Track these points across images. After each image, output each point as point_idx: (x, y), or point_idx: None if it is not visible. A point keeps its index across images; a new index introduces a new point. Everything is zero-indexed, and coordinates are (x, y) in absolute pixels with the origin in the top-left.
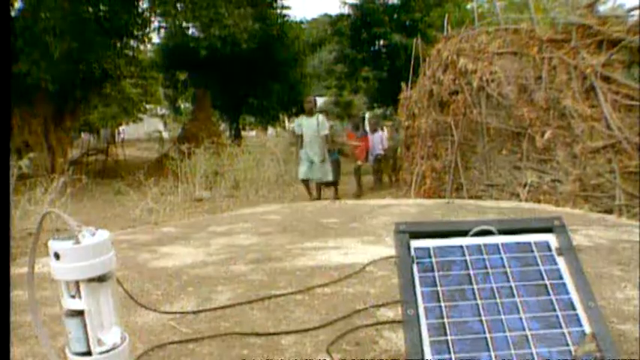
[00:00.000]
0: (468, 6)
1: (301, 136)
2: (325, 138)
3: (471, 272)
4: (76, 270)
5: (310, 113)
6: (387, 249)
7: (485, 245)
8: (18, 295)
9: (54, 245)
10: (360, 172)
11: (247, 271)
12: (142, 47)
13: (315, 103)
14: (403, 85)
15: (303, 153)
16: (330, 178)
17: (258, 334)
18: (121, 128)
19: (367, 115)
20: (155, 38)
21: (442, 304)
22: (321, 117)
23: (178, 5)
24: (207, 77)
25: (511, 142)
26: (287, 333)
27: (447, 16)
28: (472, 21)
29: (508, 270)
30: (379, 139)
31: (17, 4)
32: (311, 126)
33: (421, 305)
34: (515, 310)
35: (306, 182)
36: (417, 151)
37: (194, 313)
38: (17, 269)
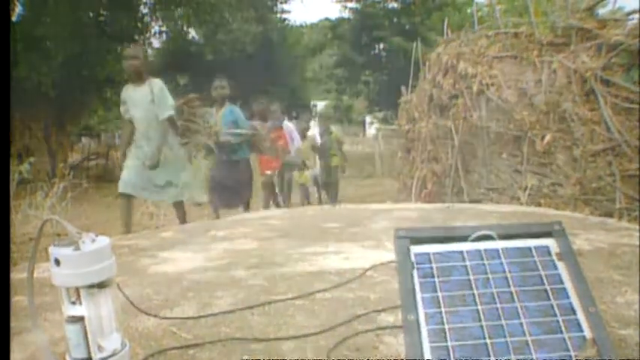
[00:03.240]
0: (468, 10)
1: (131, 122)
2: (171, 123)
3: (471, 278)
4: (77, 276)
5: (139, 78)
6: (387, 254)
7: (485, 250)
8: (18, 300)
9: (54, 251)
10: (271, 187)
11: (247, 276)
12: None
13: (143, 58)
14: (403, 88)
15: (133, 152)
16: (196, 196)
17: (258, 340)
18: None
19: (367, 119)
20: (156, 43)
21: (442, 309)
22: (157, 85)
23: (180, 9)
24: (207, 81)
25: (511, 146)
26: (287, 338)
27: (446, 19)
28: (472, 25)
29: (508, 275)
30: (289, 135)
31: (18, 9)
32: (141, 102)
33: (421, 311)
34: (515, 315)
35: (127, 200)
36: (417, 155)
37: (194, 318)
38: (17, 274)
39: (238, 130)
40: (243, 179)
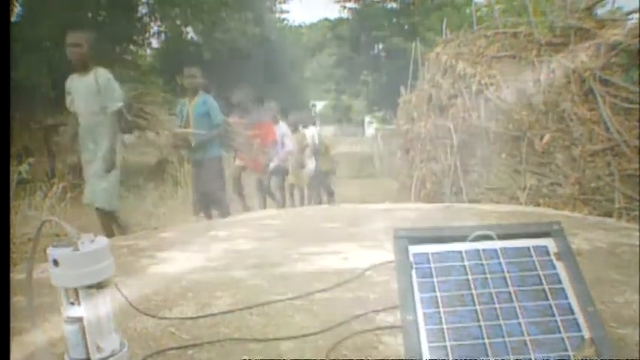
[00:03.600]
0: (467, 10)
1: (76, 117)
2: (119, 118)
3: (470, 278)
4: (75, 277)
5: (83, 68)
6: (386, 254)
7: (483, 250)
8: (18, 301)
9: (53, 252)
10: (238, 182)
11: (247, 277)
12: (141, 52)
13: (87, 45)
14: (402, 88)
15: (83, 157)
16: (114, 204)
17: (257, 340)
18: None
19: (366, 119)
20: (154, 43)
21: (441, 309)
22: (103, 75)
23: (178, 9)
24: (205, 81)
25: (510, 146)
26: (286, 339)
27: (445, 19)
28: (471, 25)
29: (507, 275)
30: (280, 138)
31: (17, 10)
32: (85, 93)
33: (420, 311)
34: (513, 315)
35: (102, 211)
36: (416, 155)
37: (193, 318)
38: (17, 275)
39: (195, 131)
40: (212, 179)
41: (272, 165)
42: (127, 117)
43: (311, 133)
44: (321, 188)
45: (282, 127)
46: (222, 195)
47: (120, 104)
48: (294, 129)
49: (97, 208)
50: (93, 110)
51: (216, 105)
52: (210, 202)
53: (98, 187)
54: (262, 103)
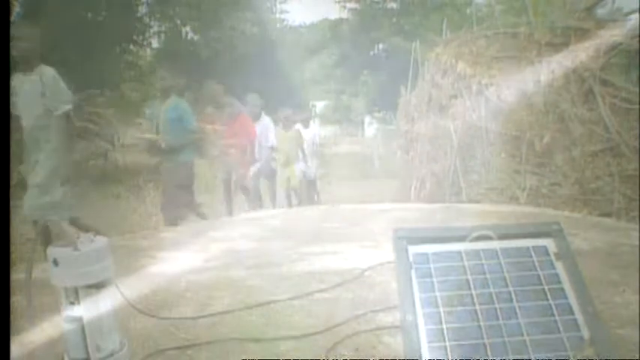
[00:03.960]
0: (467, 10)
1: (18, 120)
2: (66, 124)
3: (469, 278)
4: (75, 276)
5: (27, 66)
6: (386, 254)
7: (483, 251)
8: (18, 300)
9: (53, 252)
10: (227, 184)
11: (246, 277)
12: (141, 52)
13: (32, 40)
14: (402, 88)
15: (26, 162)
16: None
17: (256, 340)
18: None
19: (366, 119)
20: (155, 43)
21: (440, 309)
22: (48, 73)
23: (177, 8)
24: (205, 81)
25: (510, 146)
26: (286, 339)
27: (445, 19)
28: (471, 25)
29: (506, 275)
30: (265, 135)
31: (16, 9)
32: (30, 94)
33: (420, 311)
34: (513, 315)
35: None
36: (416, 155)
37: (193, 318)
38: (16, 275)
39: (159, 137)
40: (181, 185)
41: (255, 168)
42: (74, 122)
43: (311, 132)
44: (308, 190)
45: (263, 122)
46: (191, 199)
47: (68, 107)
48: (289, 127)
49: (35, 221)
50: (37, 113)
51: (190, 110)
52: (181, 208)
53: (43, 201)
54: (242, 96)
